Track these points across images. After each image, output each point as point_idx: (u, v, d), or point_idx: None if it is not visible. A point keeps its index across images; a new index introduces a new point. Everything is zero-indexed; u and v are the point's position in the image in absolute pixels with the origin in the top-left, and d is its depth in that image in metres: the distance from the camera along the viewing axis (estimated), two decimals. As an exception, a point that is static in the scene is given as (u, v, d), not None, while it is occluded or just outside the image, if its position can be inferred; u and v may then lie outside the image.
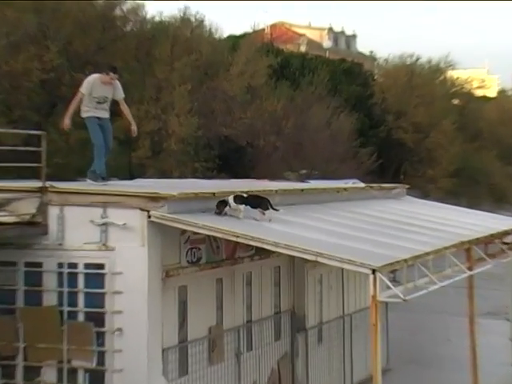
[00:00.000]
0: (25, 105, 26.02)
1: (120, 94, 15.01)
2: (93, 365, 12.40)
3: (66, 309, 12.50)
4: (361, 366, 18.37)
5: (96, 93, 14.64)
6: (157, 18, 33.94)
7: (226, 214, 13.19)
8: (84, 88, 14.62)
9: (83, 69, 26.94)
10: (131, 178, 14.82)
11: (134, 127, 15.42)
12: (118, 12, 31.81)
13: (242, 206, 13.05)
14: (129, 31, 31.80)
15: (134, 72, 28.48)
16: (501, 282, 21.13)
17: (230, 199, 13.14)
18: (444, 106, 49.06)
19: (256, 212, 13.19)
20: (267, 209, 13.27)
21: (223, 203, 13.18)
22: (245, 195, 13.37)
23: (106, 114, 14.98)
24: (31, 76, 26.13)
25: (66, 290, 12.55)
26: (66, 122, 14.78)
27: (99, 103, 14.74)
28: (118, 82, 15.13)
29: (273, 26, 63.36)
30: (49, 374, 12.76)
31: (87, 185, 14.60)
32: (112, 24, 30.74)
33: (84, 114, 14.75)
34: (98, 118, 14.85)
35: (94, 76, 15.01)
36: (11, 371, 13.01)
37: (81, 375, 12.49)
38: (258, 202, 13.38)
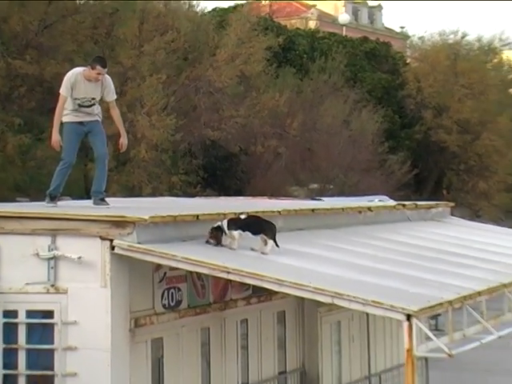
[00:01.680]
0: None
1: (111, 95, 13.97)
2: None
3: (0, 372, 11.86)
4: None
5: (78, 93, 13.67)
6: None
7: (216, 243, 12.39)
8: (64, 88, 13.64)
9: (22, 54, 25.19)
10: (88, 196, 14.14)
11: (124, 140, 14.31)
12: None
13: (237, 233, 12.10)
14: (83, 3, 28.16)
15: (89, 57, 26.24)
16: None
17: (224, 224, 12.22)
18: (499, 99, 43.03)
19: (258, 239, 12.27)
20: (273, 237, 12.37)
21: (219, 230, 12.31)
22: (242, 216, 12.43)
23: (91, 117, 13.91)
24: None
25: (1, 346, 11.85)
26: (55, 138, 13.82)
27: (83, 106, 13.83)
28: (108, 77, 13.92)
29: None
30: None
31: (30, 207, 13.93)
32: None
33: (65, 119, 13.95)
34: (80, 122, 13.90)
35: (76, 71, 13.84)
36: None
37: None
38: (260, 226, 12.45)
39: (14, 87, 26.34)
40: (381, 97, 39.59)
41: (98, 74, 13.61)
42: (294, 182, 25.59)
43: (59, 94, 13.79)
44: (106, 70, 13.94)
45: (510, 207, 39.84)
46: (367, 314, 15.20)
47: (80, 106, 13.66)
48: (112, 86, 14.06)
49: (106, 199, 14.15)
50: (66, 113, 13.70)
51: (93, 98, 13.69)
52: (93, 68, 13.63)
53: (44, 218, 12.27)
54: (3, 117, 24.76)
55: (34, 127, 25.01)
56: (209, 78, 29.40)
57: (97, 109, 13.89)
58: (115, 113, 14.17)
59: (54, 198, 13.71)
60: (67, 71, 14.22)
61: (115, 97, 14.19)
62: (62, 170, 14.04)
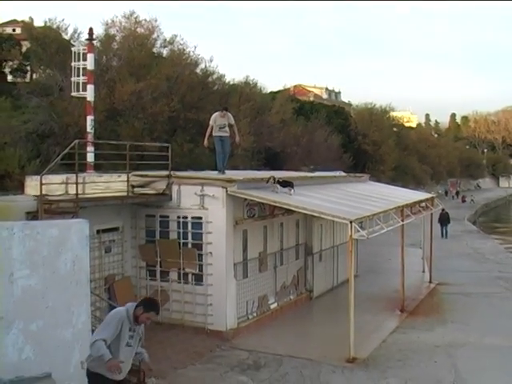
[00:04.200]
0: (159, 130, 28.56)
1: (231, 121, 16.08)
2: (196, 271, 14.59)
3: (181, 241, 14.79)
4: (342, 273, 19.61)
5: (218, 122, 15.93)
6: (231, 82, 38.38)
7: (271, 190, 14.87)
8: (211, 121, 15.94)
9: (191, 110, 30.65)
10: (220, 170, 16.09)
11: (237, 139, 16.66)
12: (209, 79, 35.14)
13: (278, 185, 14.98)
14: (215, 90, 35.07)
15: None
16: (417, 228, 23.68)
17: (274, 180, 15.02)
18: (388, 132, 60.20)
19: (286, 189, 15.00)
20: (292, 188, 15.11)
21: (272, 181, 14.97)
22: (280, 180, 15.16)
23: (225, 134, 16.04)
24: (163, 115, 29.09)
25: (181, 230, 14.81)
26: (205, 142, 16.23)
27: (220, 128, 15.96)
28: (229, 114, 16.12)
29: (294, 86, 73.44)
30: (173, 275, 14.95)
31: (192, 173, 16.28)
32: (206, 86, 33.99)
33: (214, 134, 15.93)
34: (220, 136, 15.92)
35: (216, 113, 16.03)
36: (153, 273, 15.20)
37: (190, 276, 14.75)
38: (287, 183, 15.14)
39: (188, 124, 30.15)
40: (340, 130, 49.59)
41: (224, 115, 15.83)
42: (303, 165, 29.14)
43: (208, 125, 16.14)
44: (226, 112, 16.08)
45: (392, 177, 50.96)
46: (333, 221, 16.58)
47: (219, 128, 15.91)
48: (231, 117, 16.10)
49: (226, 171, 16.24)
50: (214, 132, 15.89)
51: (224, 124, 15.94)
52: (222, 111, 16.06)
53: (198, 178, 15.08)
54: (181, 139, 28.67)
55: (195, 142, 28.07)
56: (268, 121, 36.30)
57: (226, 129, 16.04)
58: (234, 128, 16.25)
59: (220, 171, 16.05)
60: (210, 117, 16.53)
61: (233, 122, 16.24)
62: (217, 156, 16.22)
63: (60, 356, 9.12)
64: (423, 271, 23.12)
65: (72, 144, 12.90)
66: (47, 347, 8.97)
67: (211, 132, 16.06)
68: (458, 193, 79.48)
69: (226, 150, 16.36)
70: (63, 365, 9.14)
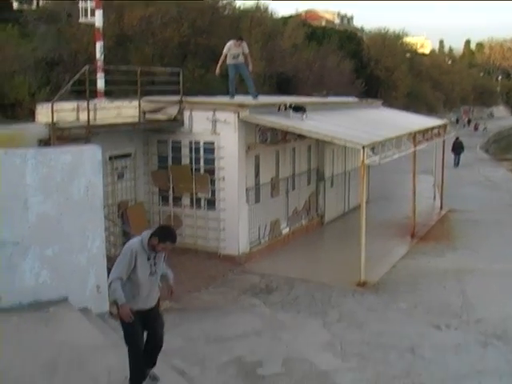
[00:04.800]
0: (169, 55, 27.98)
1: (246, 50, 15.86)
2: (209, 196, 14.70)
3: (194, 166, 14.83)
4: (354, 199, 19.97)
5: (232, 51, 15.69)
6: (241, 7, 37.87)
7: (284, 110, 14.81)
8: (225, 49, 15.69)
9: (201, 36, 29.99)
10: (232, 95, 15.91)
11: (251, 68, 16.12)
12: (220, 4, 34.77)
13: (291, 111, 14.86)
14: (225, 15, 34.52)
15: (229, 37, 31.12)
16: (429, 155, 23.02)
17: (285, 104, 14.96)
18: (401, 58, 58.15)
19: (299, 114, 14.87)
20: (305, 112, 14.97)
21: (283, 107, 14.86)
22: (292, 105, 15.04)
23: (240, 61, 15.80)
24: (173, 40, 28.51)
25: (193, 156, 14.81)
26: (218, 71, 15.99)
27: (234, 57, 15.69)
28: (244, 44, 15.95)
29: (306, 12, 72.86)
30: (186, 201, 15.07)
31: (204, 98, 16.19)
32: (216, 11, 33.47)
33: (227, 62, 15.69)
34: (235, 64, 15.66)
35: (230, 42, 15.80)
36: (166, 199, 15.30)
37: (202, 201, 14.87)
38: (299, 108, 15.00)
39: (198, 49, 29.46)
40: (352, 55, 47.98)
41: (239, 44, 15.62)
42: (315, 90, 28.55)
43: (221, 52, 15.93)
44: (242, 41, 15.78)
45: (405, 104, 49.78)
46: (345, 146, 17.08)
47: (233, 57, 15.72)
48: (246, 47, 15.87)
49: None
50: (228, 60, 15.66)
51: (238, 53, 15.73)
52: (237, 40, 15.74)
53: (210, 103, 14.96)
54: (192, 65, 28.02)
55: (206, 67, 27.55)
56: (280, 45, 35.55)
57: (241, 57, 15.82)
58: (248, 57, 15.92)
59: (232, 96, 15.88)
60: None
61: (248, 51, 15.96)
62: (230, 82, 16.05)
63: (76, 280, 9.29)
64: (434, 198, 23.06)
65: (82, 70, 12.71)
66: (63, 272, 9.13)
67: (224, 60, 15.87)
68: (469, 121, 78.22)
69: (245, 75, 16.15)
70: (79, 289, 9.31)
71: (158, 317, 6.84)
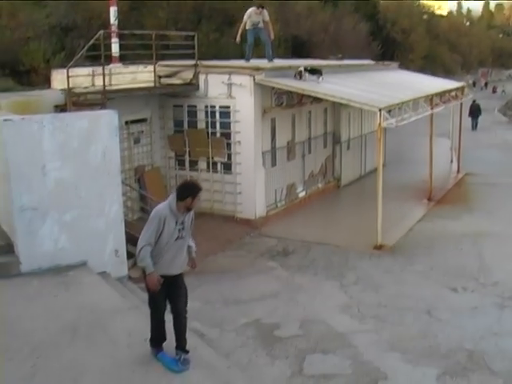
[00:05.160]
0: (184, 20, 27.27)
1: (266, 18, 15.92)
2: (225, 160, 14.75)
3: (210, 130, 14.86)
4: (370, 163, 19.91)
5: (252, 19, 15.79)
6: None
7: (299, 78, 14.82)
8: (246, 16, 15.78)
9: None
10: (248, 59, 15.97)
11: (272, 36, 16.20)
12: None
13: (307, 74, 14.84)
14: None
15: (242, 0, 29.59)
16: (446, 118, 22.57)
17: (302, 69, 14.89)
18: (418, 20, 57.35)
19: (315, 77, 14.87)
20: (321, 75, 14.98)
21: (300, 72, 14.80)
22: (308, 67, 15.05)
23: (260, 26, 15.92)
24: (188, 4, 27.89)
25: (209, 120, 14.82)
26: (238, 38, 15.99)
27: (254, 24, 15.78)
28: (265, 11, 15.94)
29: None
30: (202, 165, 15.12)
31: (219, 62, 16.03)
32: None
33: (247, 28, 15.80)
34: (254, 29, 15.76)
35: (251, 9, 15.83)
36: (182, 163, 15.37)
37: (219, 165, 14.89)
38: (315, 71, 14.98)
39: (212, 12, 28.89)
40: (369, 17, 46.89)
41: (260, 12, 15.65)
42: (331, 53, 27.94)
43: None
44: (261, 9, 15.69)
45: (421, 66, 48.91)
46: (361, 109, 16.74)
47: (252, 24, 15.81)
48: (267, 15, 15.89)
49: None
50: (248, 27, 15.76)
51: (258, 21, 15.82)
52: (258, 8, 15.72)
53: (226, 66, 14.91)
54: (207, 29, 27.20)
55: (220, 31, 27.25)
56: (294, 9, 34.61)
57: (260, 24, 15.87)
58: (269, 25, 15.94)
59: (247, 60, 15.94)
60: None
61: (268, 18, 15.98)
62: (248, 47, 16.18)
63: (94, 245, 9.36)
64: (451, 161, 22.85)
65: (97, 35, 12.62)
66: (82, 236, 9.20)
67: (244, 28, 15.85)
68: (486, 84, 76.81)
69: (264, 39, 16.14)
70: (98, 253, 9.38)
71: (182, 285, 6.74)
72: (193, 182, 6.96)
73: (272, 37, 16.22)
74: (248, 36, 16.01)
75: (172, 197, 6.54)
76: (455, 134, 22.42)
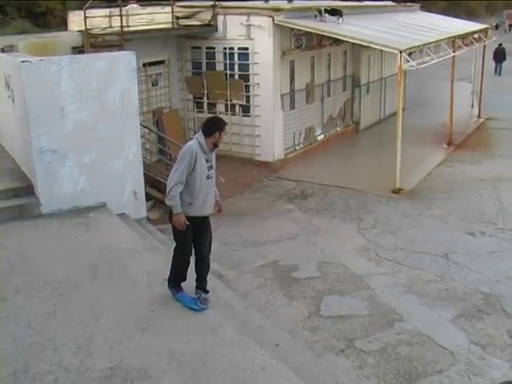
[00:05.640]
0: None
1: None
2: (243, 102, 14.76)
3: (228, 72, 14.86)
4: (390, 106, 19.85)
5: None
6: None
7: (319, 18, 14.72)
8: None
9: None
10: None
11: None
12: None
13: (327, 15, 14.68)
14: None
15: None
16: (469, 62, 22.44)
17: (322, 9, 14.74)
18: None
19: (335, 18, 14.77)
20: (341, 16, 14.87)
21: (320, 13, 14.71)
22: (328, 8, 14.90)
23: None
24: None
25: (228, 62, 14.81)
26: None
27: None
28: None
29: None
30: (220, 107, 15.14)
31: (238, 2, 15.85)
32: None
33: None
34: None
35: None
36: (200, 106, 15.43)
37: (237, 107, 14.93)
38: (335, 12, 14.88)
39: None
40: None
41: None
42: None
43: None
44: None
45: (444, 8, 47.83)
46: (382, 51, 16.60)
47: None
48: None
49: None
50: None
51: None
52: None
53: (244, 7, 14.75)
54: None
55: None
56: None
57: None
58: None
59: (266, 1, 15.79)
60: None
61: None
62: None
63: (113, 186, 9.41)
64: (472, 106, 22.51)
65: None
66: (101, 178, 9.24)
67: None
68: (511, 26, 74.76)
69: None
70: (117, 195, 9.44)
71: (209, 228, 6.70)
72: (218, 117, 6.89)
73: None
74: None
75: (199, 134, 6.44)
76: (477, 78, 22.01)
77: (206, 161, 6.42)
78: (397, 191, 13.05)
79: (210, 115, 14.66)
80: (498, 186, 13.66)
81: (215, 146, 6.47)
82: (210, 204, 6.60)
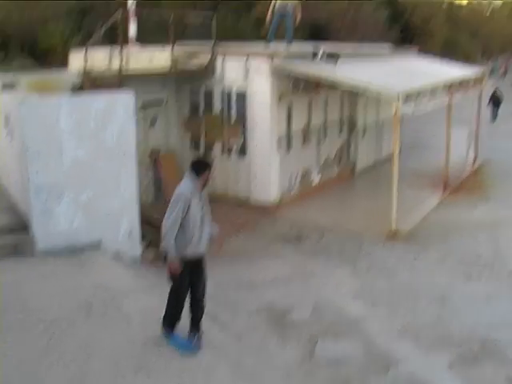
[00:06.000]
0: (202, 2, 26.52)
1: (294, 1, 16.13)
2: (240, 144, 14.69)
3: (226, 114, 14.84)
4: (386, 149, 19.72)
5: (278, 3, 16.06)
6: None
7: (317, 63, 14.63)
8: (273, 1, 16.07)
9: None
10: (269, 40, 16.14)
11: (298, 17, 16.30)
12: None
13: (324, 58, 14.75)
14: None
15: None
16: (465, 106, 21.50)
17: (319, 53, 14.86)
18: (438, 6, 57.08)
19: (332, 62, 14.74)
20: (338, 60, 14.84)
21: (315, 55, 14.83)
22: (326, 52, 14.96)
23: (288, 10, 16.04)
24: None
25: (226, 103, 14.78)
26: (268, 20, 16.28)
27: (282, 6, 16.06)
28: None
29: None
30: (217, 148, 15.09)
31: (238, 46, 16.23)
32: None
33: (276, 9, 16.08)
34: (282, 13, 16.03)
35: None
36: (198, 146, 15.32)
37: (234, 149, 14.84)
38: (333, 56, 14.90)
39: None
40: (388, 3, 46.79)
41: None
42: (349, 39, 27.45)
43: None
44: None
45: (440, 53, 45.65)
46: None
47: (280, 7, 16.06)
48: (298, 4, 16.19)
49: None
50: (275, 10, 16.09)
51: (287, 4, 16.08)
52: None
53: (243, 50, 14.79)
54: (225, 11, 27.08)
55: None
56: None
57: (289, 7, 16.09)
58: (298, 8, 16.20)
59: (269, 41, 16.22)
60: None
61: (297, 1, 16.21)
62: (271, 27, 16.30)
63: (109, 225, 9.47)
64: (468, 149, 22.51)
65: (114, 16, 12.65)
66: (97, 217, 9.32)
67: (273, 8, 16.05)
68: (505, 72, 75.57)
69: (288, 25, 16.25)
70: (112, 233, 9.52)
71: (205, 270, 6.82)
72: (204, 157, 7.07)
73: (298, 18, 16.25)
74: (274, 17, 16.10)
75: (189, 175, 6.60)
76: (473, 122, 22.19)
77: (200, 199, 6.58)
78: (393, 234, 13.06)
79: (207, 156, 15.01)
80: (493, 229, 13.70)
81: (205, 184, 6.67)
82: (205, 242, 6.71)
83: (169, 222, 6.37)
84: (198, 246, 6.62)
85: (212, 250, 7.01)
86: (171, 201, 6.53)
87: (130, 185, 9.76)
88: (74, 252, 8.91)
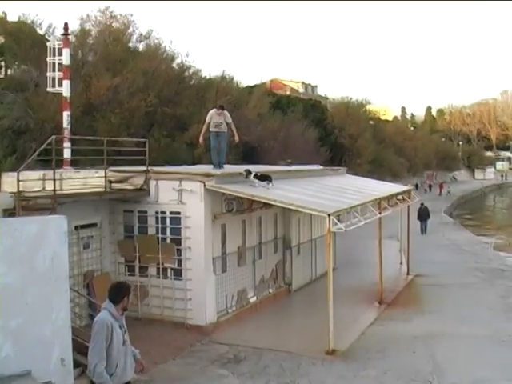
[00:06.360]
0: (136, 125, 27.86)
1: (228, 119, 16.19)
2: (175, 266, 14.66)
3: (160, 236, 14.87)
4: (321, 266, 19.95)
5: (214, 120, 16.13)
6: (207, 77, 37.87)
7: (250, 184, 14.99)
8: (208, 117, 16.14)
9: (168, 105, 30.15)
10: (194, 164, 16.56)
11: (236, 138, 16.68)
12: (186, 74, 35.08)
13: (256, 180, 15.16)
14: (192, 84, 34.85)
15: (195, 106, 31.05)
16: (394, 220, 23.28)
17: (251, 176, 15.20)
18: (365, 125, 60.10)
19: (264, 183, 15.17)
20: (270, 181, 15.26)
21: (248, 175, 15.16)
22: (258, 174, 15.40)
23: (222, 129, 16.16)
24: (140, 110, 28.36)
25: (160, 225, 14.87)
26: (201, 139, 16.56)
27: (217, 126, 16.13)
28: (226, 112, 16.25)
29: (271, 81, 73.33)
30: (152, 271, 14.98)
31: (170, 168, 16.32)
32: (183, 80, 33.85)
33: (210, 130, 16.15)
34: (217, 132, 16.07)
35: (212, 111, 16.24)
36: (132, 269, 15.22)
37: (169, 271, 14.81)
38: (265, 177, 15.35)
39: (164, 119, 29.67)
40: (316, 124, 48.97)
41: (221, 112, 15.93)
42: (280, 158, 28.59)
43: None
44: (223, 110, 16.06)
45: (369, 170, 50.53)
46: (311, 214, 16.40)
47: (216, 125, 16.16)
48: (229, 116, 16.20)
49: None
50: (211, 129, 16.13)
51: (220, 122, 16.14)
52: (218, 109, 16.07)
53: (176, 172, 15.13)
54: (158, 134, 28.41)
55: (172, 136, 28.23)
56: (245, 115, 34.50)
57: (223, 126, 16.20)
58: (232, 126, 16.27)
59: (215, 166, 16.26)
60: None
61: (231, 120, 16.30)
62: (212, 151, 16.53)
63: (40, 353, 9.11)
64: (401, 263, 23.26)
65: (49, 140, 12.85)
66: (27, 344, 8.95)
67: (207, 129, 16.22)
68: (430, 186, 79.39)
69: (223, 146, 16.49)
70: (43, 361, 9.13)
71: None
72: (122, 282, 7.13)
73: (237, 138, 16.62)
74: (211, 140, 16.41)
75: (108, 303, 6.58)
76: (404, 236, 22.92)
77: (120, 328, 6.56)
78: (331, 352, 13.04)
79: (142, 279, 14.95)
80: (430, 342, 13.84)
81: (125, 310, 6.67)
82: (130, 368, 6.67)
83: (95, 355, 6.32)
84: (123, 372, 6.53)
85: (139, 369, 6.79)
86: (93, 331, 6.47)
87: (63, 310, 9.48)
88: (1, 383, 8.48)
